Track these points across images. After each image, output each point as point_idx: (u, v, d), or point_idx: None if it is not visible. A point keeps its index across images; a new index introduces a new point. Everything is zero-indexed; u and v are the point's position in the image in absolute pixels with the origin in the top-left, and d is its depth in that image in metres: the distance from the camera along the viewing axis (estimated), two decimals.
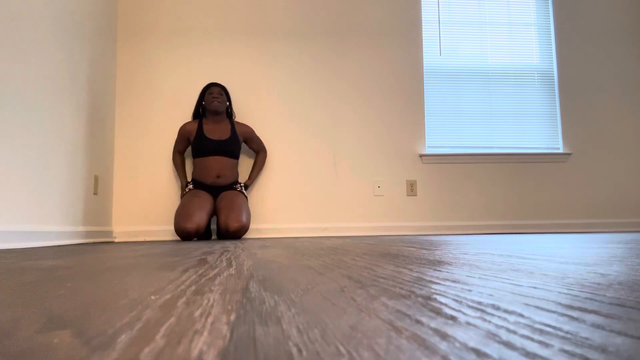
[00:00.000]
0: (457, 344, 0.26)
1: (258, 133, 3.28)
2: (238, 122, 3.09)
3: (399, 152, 3.39)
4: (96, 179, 2.81)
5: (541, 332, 0.28)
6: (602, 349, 0.24)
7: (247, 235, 3.20)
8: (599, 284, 0.50)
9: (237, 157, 3.00)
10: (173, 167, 3.18)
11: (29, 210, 2.05)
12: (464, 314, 0.34)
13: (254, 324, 0.32)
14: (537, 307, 0.36)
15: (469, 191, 3.42)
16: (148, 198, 3.15)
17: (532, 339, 0.26)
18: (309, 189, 3.29)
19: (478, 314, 0.34)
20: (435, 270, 0.67)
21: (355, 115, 3.39)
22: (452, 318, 0.33)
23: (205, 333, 0.29)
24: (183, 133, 2.99)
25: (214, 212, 2.87)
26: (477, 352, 0.24)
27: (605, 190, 3.54)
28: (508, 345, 0.25)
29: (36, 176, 2.11)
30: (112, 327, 0.31)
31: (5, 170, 1.88)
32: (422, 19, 3.55)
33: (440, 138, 3.48)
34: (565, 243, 1.47)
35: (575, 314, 0.34)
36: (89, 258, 1.09)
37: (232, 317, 0.35)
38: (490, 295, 0.43)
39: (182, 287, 0.53)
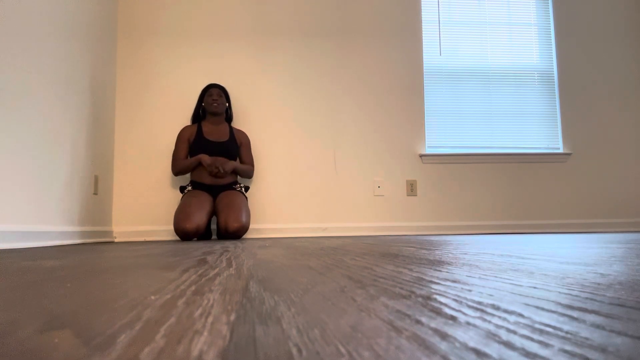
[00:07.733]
0: (457, 344, 0.26)
1: (258, 133, 3.28)
2: (236, 129, 3.08)
3: (399, 152, 3.39)
4: (96, 179, 2.81)
5: (541, 332, 0.28)
6: (602, 349, 0.24)
7: (247, 235, 3.20)
8: (599, 284, 0.50)
9: (235, 159, 3.00)
10: (172, 175, 3.17)
11: (29, 210, 2.05)
12: (464, 314, 0.34)
13: (254, 324, 0.32)
14: (537, 307, 0.36)
15: (469, 191, 3.42)
16: (148, 198, 3.15)
17: (532, 339, 0.26)
18: (309, 189, 3.29)
19: (478, 314, 0.34)
20: (435, 270, 0.67)
21: (355, 115, 3.39)
22: (452, 318, 0.33)
23: (205, 333, 0.29)
24: (184, 135, 2.97)
25: (214, 212, 2.87)
26: (477, 352, 0.24)
27: (605, 190, 3.54)
28: (508, 345, 0.25)
29: (36, 176, 2.11)
30: (112, 327, 0.32)
31: (5, 170, 1.88)
32: (422, 19, 3.55)
33: (440, 138, 3.48)
34: (565, 243, 1.47)
35: (575, 314, 0.34)
36: (89, 258, 1.09)
37: (232, 317, 0.35)
38: (490, 295, 0.43)
39: (182, 287, 0.53)
